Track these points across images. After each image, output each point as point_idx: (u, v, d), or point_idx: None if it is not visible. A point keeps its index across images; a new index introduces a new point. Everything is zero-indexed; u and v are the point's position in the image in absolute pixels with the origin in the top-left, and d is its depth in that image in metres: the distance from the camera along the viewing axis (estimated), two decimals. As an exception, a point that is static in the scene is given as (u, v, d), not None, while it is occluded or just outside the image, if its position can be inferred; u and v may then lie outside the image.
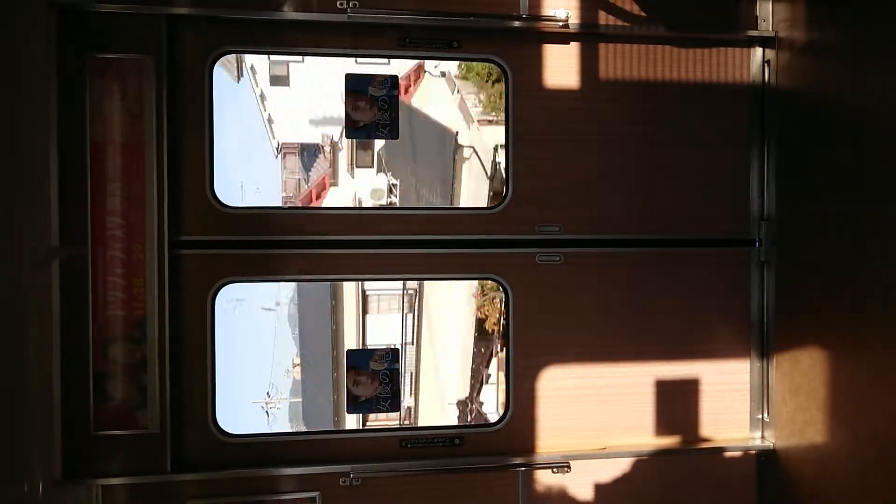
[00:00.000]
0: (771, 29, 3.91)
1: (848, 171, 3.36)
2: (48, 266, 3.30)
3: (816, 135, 3.60)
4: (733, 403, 4.00)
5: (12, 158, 3.02)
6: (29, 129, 3.18)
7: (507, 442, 3.82)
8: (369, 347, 10.92)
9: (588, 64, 3.85)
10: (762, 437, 3.99)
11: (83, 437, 3.39)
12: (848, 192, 3.35)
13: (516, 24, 3.72)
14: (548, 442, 3.86)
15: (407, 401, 12.94)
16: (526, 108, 3.81)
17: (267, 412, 15.31)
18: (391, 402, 3.80)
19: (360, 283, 12.64)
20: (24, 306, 3.11)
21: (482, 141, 12.24)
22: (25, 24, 3.15)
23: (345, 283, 13.04)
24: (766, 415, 3.97)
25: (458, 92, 12.76)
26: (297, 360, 15.66)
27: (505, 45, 3.79)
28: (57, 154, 3.32)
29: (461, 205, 12.45)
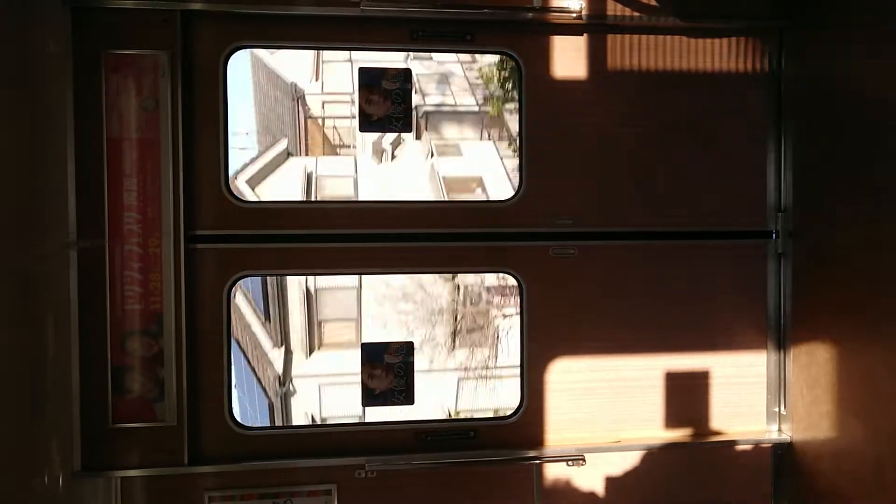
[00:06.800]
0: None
1: (865, 161, 3.32)
2: (66, 261, 3.34)
3: (833, 124, 3.56)
4: (749, 396, 3.98)
5: (30, 155, 3.06)
6: (45, 126, 3.22)
7: (520, 435, 3.82)
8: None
9: (601, 55, 3.82)
10: (779, 430, 3.96)
11: (102, 430, 3.44)
12: (865, 182, 3.31)
13: (529, 16, 3.71)
14: (562, 435, 3.85)
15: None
16: (539, 100, 3.79)
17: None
18: (405, 394, 3.81)
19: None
20: (42, 301, 3.15)
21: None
22: (40, 22, 3.18)
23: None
24: (782, 408, 3.94)
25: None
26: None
27: (518, 38, 3.77)
28: (73, 150, 3.36)
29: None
